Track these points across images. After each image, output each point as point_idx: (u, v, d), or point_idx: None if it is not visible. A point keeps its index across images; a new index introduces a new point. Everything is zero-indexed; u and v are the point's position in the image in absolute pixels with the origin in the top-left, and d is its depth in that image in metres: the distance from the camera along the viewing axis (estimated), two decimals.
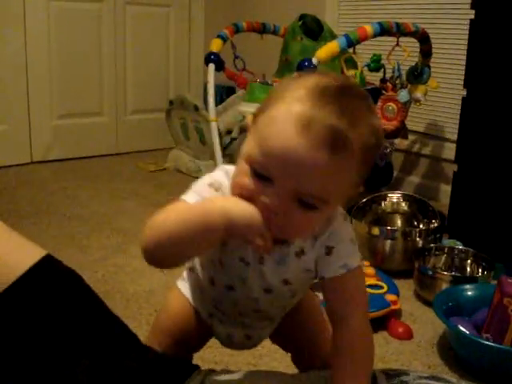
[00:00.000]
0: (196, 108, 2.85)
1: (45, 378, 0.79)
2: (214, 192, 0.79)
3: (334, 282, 0.82)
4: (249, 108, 2.46)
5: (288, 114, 0.69)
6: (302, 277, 0.85)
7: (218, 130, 2.51)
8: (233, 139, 2.79)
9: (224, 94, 3.27)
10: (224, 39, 2.66)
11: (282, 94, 0.72)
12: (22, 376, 0.79)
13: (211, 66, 2.57)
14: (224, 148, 2.66)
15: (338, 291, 0.83)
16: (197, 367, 0.87)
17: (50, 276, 0.88)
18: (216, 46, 2.62)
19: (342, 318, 0.82)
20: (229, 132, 2.81)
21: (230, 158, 2.70)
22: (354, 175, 0.73)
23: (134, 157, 3.36)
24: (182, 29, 3.60)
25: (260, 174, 0.71)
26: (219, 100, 2.98)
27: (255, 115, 0.76)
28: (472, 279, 1.77)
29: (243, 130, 2.73)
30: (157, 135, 3.44)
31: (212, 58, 2.59)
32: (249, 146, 0.74)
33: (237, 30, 2.75)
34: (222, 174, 0.82)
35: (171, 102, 3.06)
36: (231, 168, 0.81)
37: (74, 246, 2.07)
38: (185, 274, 0.98)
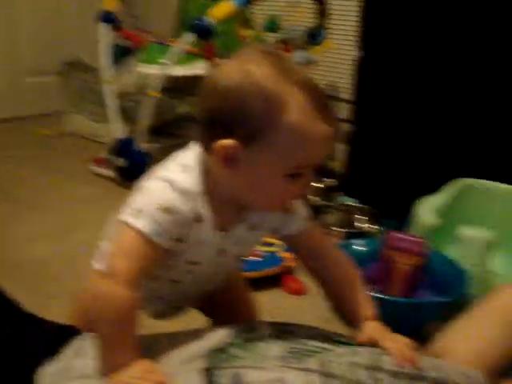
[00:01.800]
0: (92, 70, 2.76)
1: None
2: (168, 217, 0.78)
3: (303, 235, 0.93)
4: (146, 69, 2.41)
5: (303, 112, 0.74)
6: (253, 246, 0.96)
7: (115, 92, 2.44)
8: (131, 101, 2.73)
9: (120, 54, 3.17)
10: None
11: (274, 100, 0.73)
12: None
13: (106, 26, 2.48)
14: (122, 111, 2.59)
15: (311, 239, 0.94)
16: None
17: None
18: (111, 4, 2.53)
19: (325, 256, 0.94)
20: (126, 94, 2.74)
21: (129, 121, 2.64)
22: None
23: (30, 121, 3.22)
24: None
25: (294, 175, 0.78)
26: (116, 61, 2.89)
27: (247, 139, 0.75)
28: (364, 235, 1.83)
29: (141, 92, 2.67)
30: (53, 98, 3.30)
31: (107, 17, 2.49)
32: (269, 165, 0.76)
33: None
34: (170, 191, 0.79)
35: (67, 64, 2.95)
36: (173, 177, 0.79)
37: None
38: None
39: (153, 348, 0.86)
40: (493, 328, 1.03)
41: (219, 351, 0.83)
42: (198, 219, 0.81)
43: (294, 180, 0.78)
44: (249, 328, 0.91)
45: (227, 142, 0.75)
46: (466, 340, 1.03)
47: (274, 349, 0.85)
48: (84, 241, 1.82)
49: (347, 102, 2.27)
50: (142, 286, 0.78)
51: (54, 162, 2.57)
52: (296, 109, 0.73)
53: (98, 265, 0.96)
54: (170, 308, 1.01)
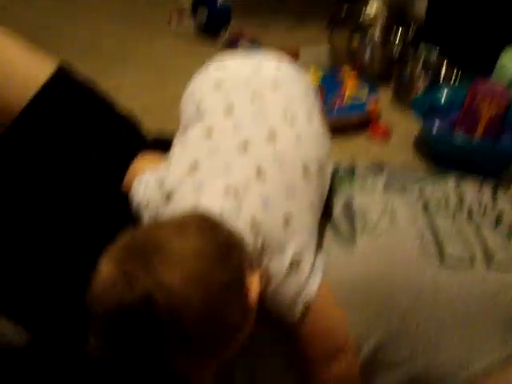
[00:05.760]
0: None
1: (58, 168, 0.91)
2: None
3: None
4: None
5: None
6: None
7: None
8: None
9: None
10: None
11: None
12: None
13: None
14: None
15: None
16: None
17: (67, 85, 0.98)
18: None
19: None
20: None
21: None
22: None
23: None
24: None
25: None
26: None
27: None
28: (446, 84, 1.87)
29: None
30: None
31: None
32: None
33: None
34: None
35: None
36: None
37: None
38: None
39: None
40: None
41: None
42: None
43: None
44: (347, 167, 1.02)
45: None
46: None
47: (376, 181, 0.96)
48: (178, 91, 1.93)
49: None
50: None
51: (137, 17, 2.63)
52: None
53: None
54: None
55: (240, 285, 0.66)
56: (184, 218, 0.69)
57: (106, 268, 0.61)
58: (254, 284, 0.69)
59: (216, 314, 0.63)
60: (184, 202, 0.75)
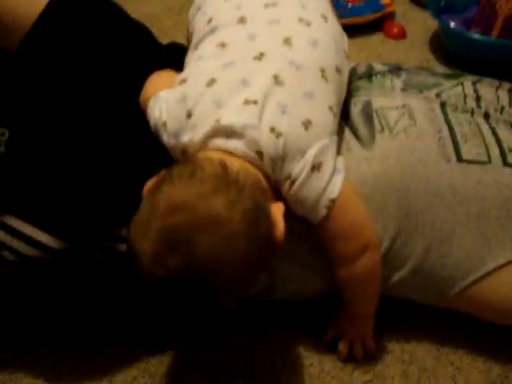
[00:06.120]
0: None
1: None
2: None
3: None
4: None
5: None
6: None
7: None
8: None
9: None
10: None
11: None
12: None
13: None
14: None
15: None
16: None
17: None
18: None
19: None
20: None
21: None
22: None
23: None
24: None
25: None
26: None
27: None
28: None
29: None
30: None
31: None
32: None
33: None
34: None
35: None
36: None
37: None
38: None
39: None
40: None
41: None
42: None
43: None
44: (365, 68, 1.00)
45: None
46: None
47: (395, 82, 0.96)
48: None
49: None
50: None
51: None
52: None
53: None
54: None
55: (268, 241, 0.70)
56: (213, 188, 0.68)
57: (144, 248, 0.67)
58: (278, 218, 0.72)
59: (246, 272, 0.69)
60: (204, 120, 0.76)
